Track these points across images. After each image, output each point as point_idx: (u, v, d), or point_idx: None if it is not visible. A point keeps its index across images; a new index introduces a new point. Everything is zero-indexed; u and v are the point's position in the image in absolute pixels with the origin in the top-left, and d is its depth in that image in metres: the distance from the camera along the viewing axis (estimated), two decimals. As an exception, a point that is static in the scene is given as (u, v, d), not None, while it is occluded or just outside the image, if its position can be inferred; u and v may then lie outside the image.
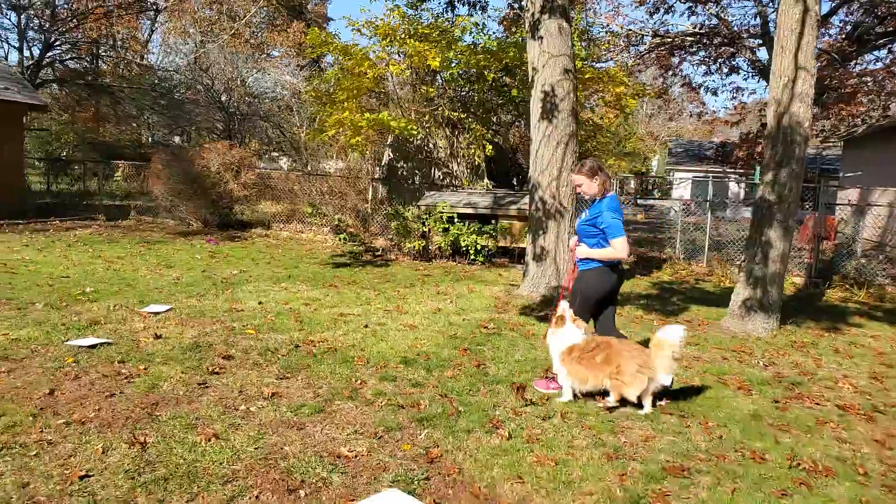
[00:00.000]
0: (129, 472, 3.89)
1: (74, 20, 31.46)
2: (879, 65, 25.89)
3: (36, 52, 31.59)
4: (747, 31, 25.05)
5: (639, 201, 35.30)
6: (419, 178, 18.22)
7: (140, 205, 20.35)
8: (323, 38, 16.90)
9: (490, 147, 16.58)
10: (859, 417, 5.57)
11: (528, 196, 11.74)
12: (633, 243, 15.46)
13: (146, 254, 12.82)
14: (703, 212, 16.84)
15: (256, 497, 3.72)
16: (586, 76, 16.48)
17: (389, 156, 18.72)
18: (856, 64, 25.19)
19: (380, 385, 5.67)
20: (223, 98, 35.02)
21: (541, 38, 9.90)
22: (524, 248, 11.67)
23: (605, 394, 5.42)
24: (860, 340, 8.52)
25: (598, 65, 20.57)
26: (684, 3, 24.03)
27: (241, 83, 35.07)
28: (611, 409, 5.32)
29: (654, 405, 5.38)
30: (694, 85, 30.31)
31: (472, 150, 17.05)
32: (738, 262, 13.31)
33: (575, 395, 5.52)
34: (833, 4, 22.27)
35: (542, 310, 9.07)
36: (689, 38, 25.56)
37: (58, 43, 31.85)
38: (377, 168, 19.41)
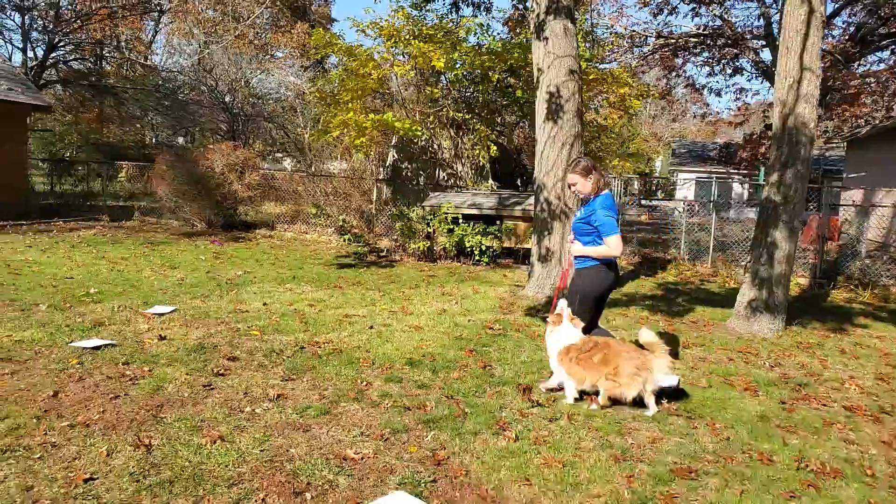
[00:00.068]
0: (134, 474, 3.88)
1: (78, 21, 31.50)
2: (882, 66, 25.87)
3: (40, 52, 31.68)
4: (751, 33, 25.06)
5: (642, 202, 35.23)
6: (423, 179, 18.20)
7: (144, 205, 20.38)
8: (327, 39, 16.88)
9: (494, 148, 16.56)
10: (866, 419, 5.54)
11: (532, 197, 11.72)
12: (637, 244, 15.48)
13: (150, 255, 12.82)
14: (707, 212, 16.79)
15: (262, 500, 3.70)
16: (590, 77, 16.44)
17: (394, 156, 18.71)
18: (859, 65, 25.16)
19: (385, 386, 5.65)
20: (227, 99, 35.05)
21: (546, 38, 9.87)
22: (529, 249, 11.66)
23: (597, 393, 5.44)
24: (865, 341, 8.49)
25: (601, 66, 20.53)
26: (688, 5, 24.07)
27: (245, 84, 35.11)
28: (602, 408, 5.32)
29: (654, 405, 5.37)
30: (697, 86, 30.33)
31: (477, 151, 17.03)
32: (742, 263, 13.28)
33: (580, 396, 5.51)
34: (836, 5, 22.27)
35: (548, 311, 9.03)
36: (692, 40, 25.56)
37: (61, 44, 31.92)
38: (381, 169, 19.39)
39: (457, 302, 9.58)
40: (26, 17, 30.30)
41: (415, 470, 4.15)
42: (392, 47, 16.37)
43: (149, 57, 39.91)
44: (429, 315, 8.59)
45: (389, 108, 17.90)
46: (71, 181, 25.47)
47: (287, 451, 4.32)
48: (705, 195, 31.87)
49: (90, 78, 34.13)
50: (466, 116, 17.13)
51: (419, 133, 15.99)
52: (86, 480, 3.77)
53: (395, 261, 13.86)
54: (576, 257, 5.96)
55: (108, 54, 37.01)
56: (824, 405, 5.82)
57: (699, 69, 28.53)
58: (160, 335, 6.82)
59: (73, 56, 34.12)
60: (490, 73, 16.58)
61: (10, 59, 30.62)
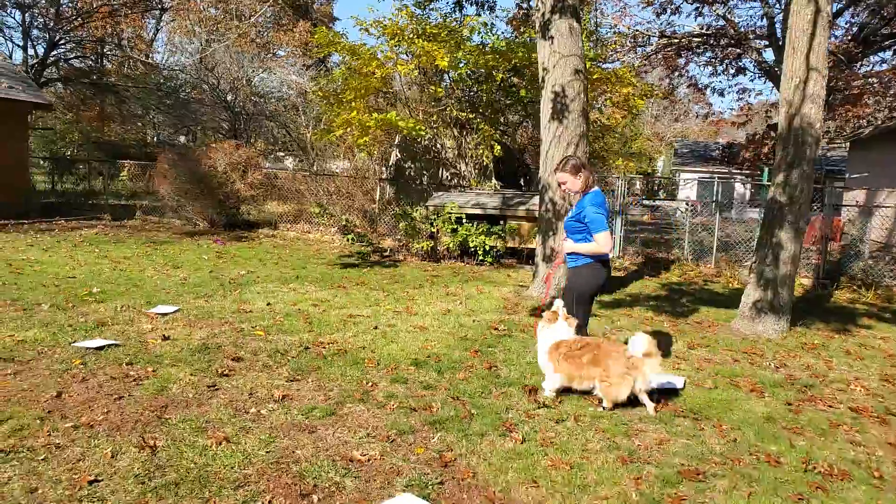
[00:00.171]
0: (139, 476, 3.86)
1: (79, 19, 31.51)
2: (885, 66, 25.82)
3: (40, 50, 31.70)
4: (754, 33, 25.01)
5: (644, 202, 35.19)
6: (427, 179, 18.17)
7: (146, 204, 20.35)
8: (330, 38, 16.86)
9: (498, 147, 16.53)
10: (872, 420, 5.53)
11: (536, 197, 11.70)
12: (641, 244, 15.46)
13: (153, 254, 12.80)
14: (709, 213, 16.76)
15: (269, 502, 3.68)
16: (594, 77, 16.41)
17: (397, 156, 18.68)
18: (861, 65, 25.11)
19: (391, 387, 5.63)
20: (229, 97, 35.03)
21: (551, 38, 9.83)
22: (533, 249, 11.64)
23: (587, 393, 5.49)
24: (870, 342, 8.48)
25: (605, 65, 20.51)
26: (691, 4, 24.00)
27: (247, 83, 35.06)
28: (610, 409, 5.33)
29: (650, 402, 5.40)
30: (700, 86, 30.28)
31: (481, 151, 16.99)
32: (746, 264, 13.26)
33: (557, 389, 5.56)
34: (840, 5, 22.20)
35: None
36: (695, 39, 25.51)
37: (62, 41, 31.94)
38: (384, 168, 19.36)
39: (461, 302, 9.56)
40: (27, 14, 30.33)
41: (422, 472, 4.13)
42: (395, 46, 16.33)
43: (150, 55, 39.93)
44: (433, 315, 8.57)
45: (393, 108, 17.88)
46: (72, 180, 25.46)
47: (293, 452, 4.30)
48: (708, 195, 31.83)
49: (91, 76, 34.14)
50: (470, 116, 17.09)
51: (422, 132, 15.97)
52: (90, 482, 3.76)
53: (399, 261, 13.84)
54: (569, 256, 6.03)
55: (109, 52, 37.00)
56: (830, 407, 5.80)
57: (702, 69, 28.50)
58: (164, 335, 6.80)
59: (74, 54, 34.15)
60: (494, 73, 16.54)
61: (10, 57, 30.69)
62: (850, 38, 24.02)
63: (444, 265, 13.44)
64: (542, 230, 10.39)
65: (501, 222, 13.79)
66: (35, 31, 31.62)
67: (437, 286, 10.87)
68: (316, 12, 41.26)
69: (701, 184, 36.44)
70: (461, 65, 16.79)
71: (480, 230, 13.28)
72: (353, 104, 15.82)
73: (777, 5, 22.72)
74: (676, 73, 29.43)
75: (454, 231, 13.38)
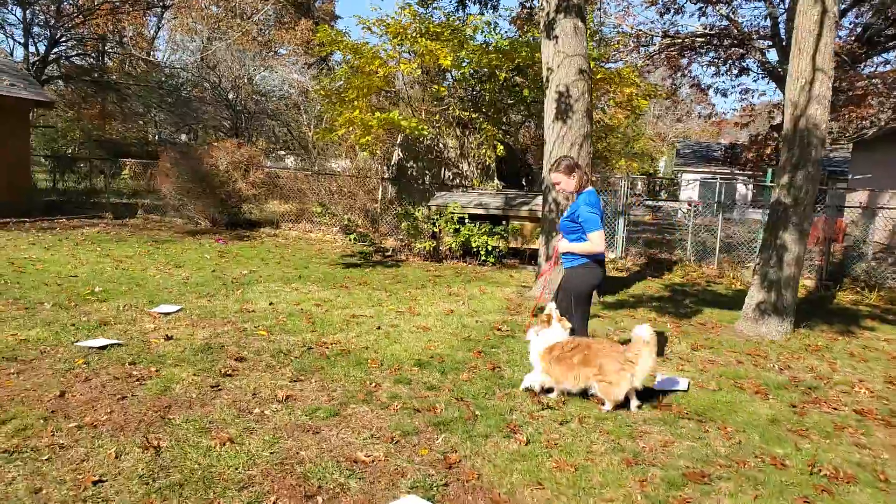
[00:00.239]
0: (144, 477, 3.85)
1: (80, 16, 31.50)
2: (889, 67, 25.78)
3: (42, 47, 31.70)
4: (757, 33, 24.97)
5: (647, 202, 35.17)
6: (429, 178, 18.14)
7: (148, 203, 20.35)
8: (332, 36, 16.84)
9: (501, 147, 16.52)
10: (877, 422, 5.51)
11: (539, 197, 11.67)
12: (643, 245, 15.45)
13: (155, 253, 12.79)
14: (710, 213, 16.74)
15: (274, 503, 3.67)
16: (598, 76, 16.39)
17: (399, 155, 18.66)
18: (865, 66, 25.07)
19: (395, 388, 5.62)
20: (230, 96, 35.02)
21: (556, 37, 9.80)
22: (535, 250, 11.63)
23: (582, 394, 5.51)
24: (874, 344, 8.46)
25: (608, 65, 20.49)
26: (695, 4, 23.96)
27: (249, 81, 35.07)
28: (612, 409, 5.33)
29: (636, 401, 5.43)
30: (703, 86, 30.23)
31: (483, 151, 16.98)
32: (748, 265, 13.24)
33: (536, 389, 5.58)
34: (844, 6, 22.16)
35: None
36: (699, 39, 25.47)
37: (63, 39, 31.92)
38: (386, 168, 19.34)
39: (464, 302, 9.54)
40: (28, 11, 30.29)
41: (426, 473, 4.12)
42: (398, 45, 16.32)
43: (152, 53, 39.94)
44: (436, 316, 8.56)
45: (395, 107, 17.87)
46: (74, 178, 25.45)
47: (297, 453, 4.29)
48: (710, 196, 31.81)
49: (92, 74, 34.12)
50: (473, 115, 17.09)
51: (425, 132, 15.95)
52: (95, 483, 3.74)
53: (401, 260, 13.82)
54: (564, 256, 6.03)
55: (110, 50, 37.02)
56: (835, 409, 5.79)
57: (705, 69, 28.45)
58: (166, 335, 6.79)
59: (75, 51, 34.13)
60: (497, 72, 16.54)
61: (11, 55, 30.62)
62: (854, 38, 23.99)
63: (447, 265, 13.42)
64: (545, 230, 10.36)
65: (504, 222, 13.77)
66: (36, 29, 31.65)
67: (439, 286, 10.85)
68: (318, 10, 41.32)
69: (703, 184, 36.44)
70: (464, 64, 16.79)
71: (483, 230, 13.26)
72: (356, 103, 15.81)
73: (781, 5, 22.70)
74: (679, 74, 29.40)
75: (456, 231, 13.36)
